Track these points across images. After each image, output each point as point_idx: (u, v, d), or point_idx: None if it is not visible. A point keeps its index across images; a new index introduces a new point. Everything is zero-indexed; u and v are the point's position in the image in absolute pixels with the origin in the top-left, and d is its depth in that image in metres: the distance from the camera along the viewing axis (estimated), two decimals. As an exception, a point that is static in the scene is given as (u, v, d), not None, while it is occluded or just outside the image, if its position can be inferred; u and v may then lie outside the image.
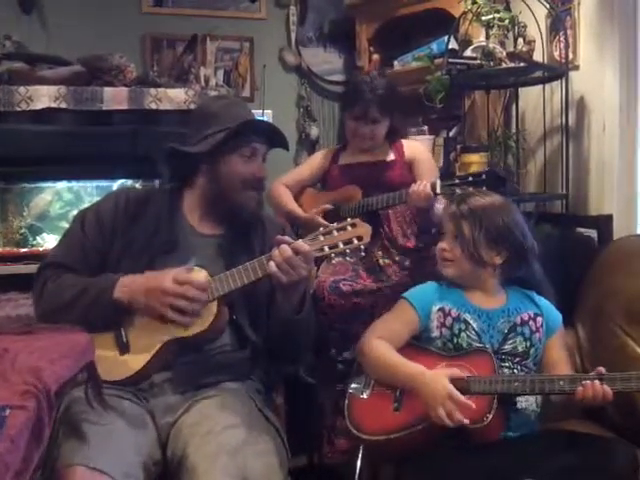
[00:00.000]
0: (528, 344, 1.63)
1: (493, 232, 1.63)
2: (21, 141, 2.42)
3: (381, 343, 1.62)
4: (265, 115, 3.15)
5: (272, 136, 1.71)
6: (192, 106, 2.53)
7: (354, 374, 1.68)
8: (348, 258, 1.54)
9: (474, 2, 2.40)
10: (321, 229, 1.54)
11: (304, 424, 2.15)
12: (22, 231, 2.69)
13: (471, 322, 1.63)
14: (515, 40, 2.46)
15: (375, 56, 3.23)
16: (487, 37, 2.43)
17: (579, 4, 2.42)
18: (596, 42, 2.37)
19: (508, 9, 2.47)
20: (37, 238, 2.71)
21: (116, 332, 1.56)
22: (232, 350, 1.62)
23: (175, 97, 2.57)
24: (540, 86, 2.51)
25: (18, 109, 2.41)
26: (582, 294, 2.05)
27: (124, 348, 1.55)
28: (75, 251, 1.63)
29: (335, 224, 1.55)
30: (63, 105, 2.45)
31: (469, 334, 1.61)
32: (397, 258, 2.25)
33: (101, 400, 1.37)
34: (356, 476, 1.66)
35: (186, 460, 1.39)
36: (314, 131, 3.53)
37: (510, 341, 1.62)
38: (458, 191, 1.92)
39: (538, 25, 2.42)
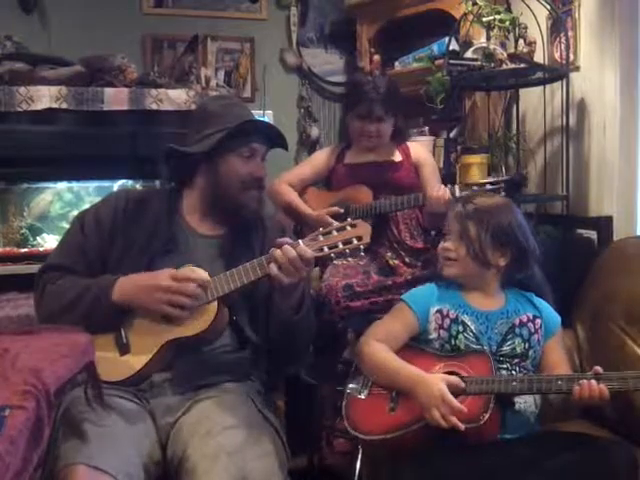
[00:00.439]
0: (527, 346, 1.62)
1: (499, 233, 1.63)
2: (22, 141, 2.43)
3: (380, 345, 1.63)
4: (266, 116, 3.15)
5: (271, 136, 1.71)
6: (193, 107, 2.53)
7: (352, 375, 1.68)
8: (350, 259, 1.54)
9: (475, 3, 2.40)
10: (320, 229, 1.54)
11: (304, 425, 2.15)
12: (22, 231, 2.69)
13: (469, 324, 1.62)
14: (516, 41, 2.46)
15: (376, 57, 3.24)
16: (488, 38, 2.43)
17: (580, 5, 2.42)
18: (597, 43, 2.37)
19: (509, 10, 2.47)
20: (37, 238, 2.71)
21: (116, 333, 1.56)
22: (232, 351, 1.62)
23: (176, 98, 2.58)
24: (541, 87, 2.51)
25: (19, 109, 2.41)
26: (582, 295, 2.05)
27: (124, 348, 1.55)
28: (75, 253, 1.63)
29: (335, 224, 1.55)
30: (64, 105, 2.46)
31: (467, 336, 1.61)
32: (407, 260, 2.25)
33: (101, 400, 1.37)
34: (355, 477, 1.66)
35: (186, 461, 1.39)
36: (315, 132, 3.53)
37: (508, 342, 1.62)
38: None
39: (539, 26, 2.41)
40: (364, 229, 1.52)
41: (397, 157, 2.37)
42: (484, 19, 2.40)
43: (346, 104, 2.39)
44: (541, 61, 2.50)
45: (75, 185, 2.79)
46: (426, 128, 3.01)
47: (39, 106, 2.43)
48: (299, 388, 2.18)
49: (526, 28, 2.45)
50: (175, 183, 1.76)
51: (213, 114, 1.68)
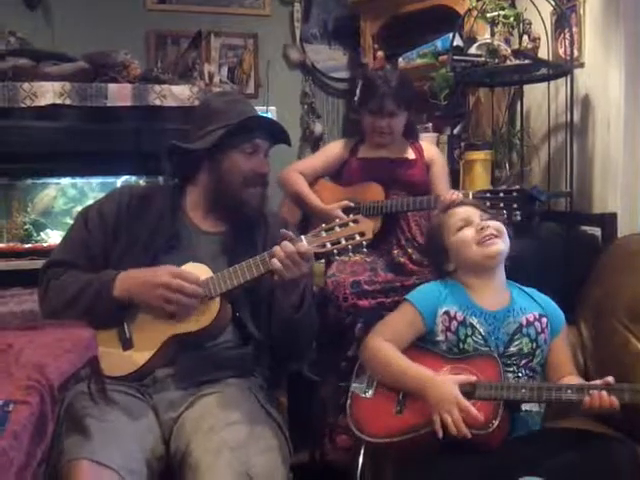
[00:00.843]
0: (534, 345, 1.61)
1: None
2: (25, 137, 2.43)
3: (387, 345, 1.61)
4: (269, 112, 3.16)
5: (274, 132, 1.71)
6: (196, 103, 2.53)
7: (357, 373, 1.67)
8: (351, 254, 1.54)
9: (479, -1, 2.39)
10: (323, 225, 1.54)
11: (306, 421, 2.15)
12: (26, 227, 2.70)
13: (477, 326, 1.60)
14: (520, 37, 2.45)
15: (379, 53, 3.23)
16: (492, 34, 2.42)
17: (584, 1, 2.41)
18: (601, 39, 2.36)
19: (513, 6, 2.47)
20: (41, 234, 2.72)
21: (119, 328, 1.56)
22: (235, 346, 1.62)
23: (179, 94, 2.58)
24: (545, 83, 2.50)
25: (22, 105, 2.41)
26: (585, 292, 2.05)
27: (127, 344, 1.55)
28: (78, 249, 1.64)
29: (337, 220, 1.55)
30: (67, 101, 2.46)
31: (475, 339, 1.59)
32: (414, 257, 2.24)
33: (104, 395, 1.38)
34: (358, 473, 1.65)
35: (189, 456, 1.39)
36: (318, 128, 3.53)
37: (516, 342, 1.60)
38: (487, 204, 1.92)
39: (543, 22, 2.41)
40: (366, 225, 1.52)
41: (410, 155, 2.35)
42: (488, 15, 2.40)
43: (358, 100, 2.37)
44: (545, 57, 2.49)
45: (79, 181, 2.80)
46: (430, 124, 3.01)
47: (43, 102, 2.43)
48: (301, 384, 2.18)
49: (530, 24, 2.44)
50: (178, 179, 1.76)
51: (216, 110, 1.68)
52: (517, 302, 1.67)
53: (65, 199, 2.79)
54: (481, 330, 1.60)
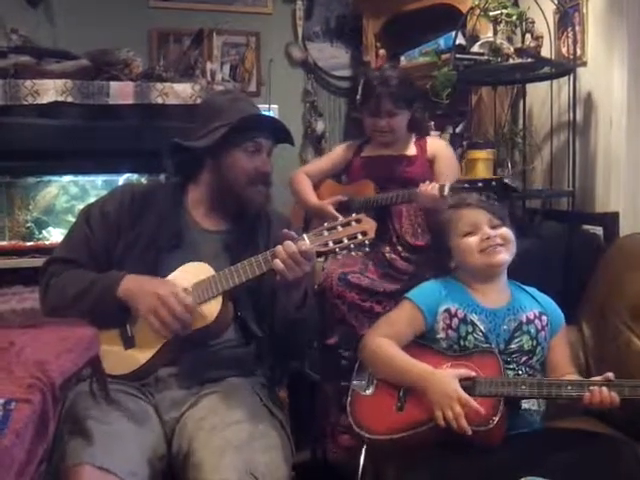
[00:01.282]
0: (534, 343, 1.61)
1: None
2: (27, 135, 2.44)
3: (387, 341, 1.61)
4: (271, 110, 3.15)
5: (276, 131, 1.71)
6: (198, 101, 2.53)
7: (357, 371, 1.67)
8: (353, 253, 1.54)
9: (481, -3, 2.39)
10: (325, 224, 1.54)
11: (308, 419, 2.15)
12: (28, 225, 2.70)
13: (478, 323, 1.61)
14: (523, 36, 2.44)
15: (382, 51, 3.23)
16: (495, 33, 2.42)
17: (587, 0, 2.41)
18: (604, 38, 2.36)
19: (516, 5, 2.47)
20: (43, 232, 2.72)
21: (121, 327, 1.56)
22: (237, 345, 1.62)
23: (181, 92, 2.58)
24: (547, 82, 2.50)
25: (24, 103, 2.42)
26: (587, 292, 2.05)
27: (129, 342, 1.55)
28: (80, 247, 1.63)
29: (340, 219, 1.55)
30: (69, 99, 2.46)
31: (476, 336, 1.59)
32: (404, 255, 2.25)
33: (106, 395, 1.37)
34: (359, 473, 1.65)
35: (192, 455, 1.39)
36: (320, 126, 3.52)
37: (516, 340, 1.61)
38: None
39: (546, 21, 2.40)
40: (369, 224, 1.52)
41: (411, 151, 2.34)
42: (491, 13, 2.39)
43: (359, 100, 2.37)
44: (548, 56, 2.49)
45: (81, 179, 2.80)
46: (432, 123, 3.00)
47: (45, 100, 2.43)
48: (302, 383, 2.18)
49: (533, 22, 2.43)
50: (180, 178, 1.76)
51: (218, 108, 1.67)
52: (517, 300, 1.67)
53: (67, 197, 2.79)
54: (482, 327, 1.61)
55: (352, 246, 1.51)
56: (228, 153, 1.65)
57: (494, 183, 1.94)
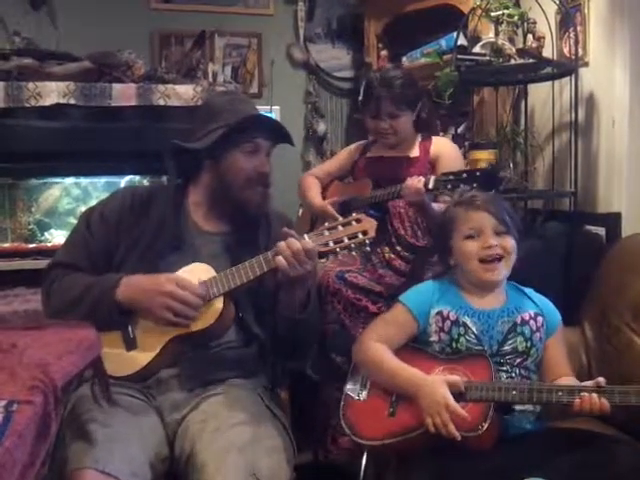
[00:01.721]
0: (529, 344, 1.59)
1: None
2: (30, 137, 2.44)
3: (379, 346, 1.60)
4: (273, 111, 3.16)
5: (275, 131, 1.70)
6: (200, 102, 2.53)
7: (351, 373, 1.67)
8: (353, 253, 1.54)
9: (483, -2, 2.39)
10: (326, 224, 1.54)
11: (309, 420, 2.15)
12: (30, 227, 2.71)
13: (470, 326, 1.59)
14: (524, 36, 2.45)
15: (383, 52, 3.23)
16: (496, 33, 2.42)
17: (589, 0, 2.41)
18: (606, 38, 2.35)
19: (517, 5, 2.47)
20: (45, 234, 2.73)
21: (123, 328, 1.56)
22: (238, 347, 1.62)
23: (183, 93, 2.58)
24: (549, 83, 2.50)
25: (27, 105, 2.42)
26: (589, 292, 2.04)
27: (131, 344, 1.55)
28: (81, 250, 1.63)
29: (340, 219, 1.55)
30: (72, 101, 2.47)
31: (468, 338, 1.58)
32: (402, 254, 2.25)
33: (108, 397, 1.37)
34: (361, 474, 1.65)
35: (195, 457, 1.39)
36: (321, 127, 3.53)
37: (510, 341, 1.59)
38: (449, 187, 1.90)
39: (548, 21, 2.40)
40: (369, 223, 1.52)
41: (414, 153, 2.31)
42: (492, 14, 2.40)
43: (360, 103, 2.36)
44: (550, 56, 2.48)
45: (83, 180, 2.81)
46: (438, 122, 3.00)
47: (47, 102, 2.44)
48: (304, 384, 2.18)
49: (535, 23, 2.43)
50: (181, 179, 1.76)
51: (217, 110, 1.67)
52: (512, 301, 1.65)
53: (69, 199, 2.80)
54: (474, 329, 1.59)
55: (353, 245, 1.51)
56: (226, 154, 1.65)
57: (478, 173, 1.91)
